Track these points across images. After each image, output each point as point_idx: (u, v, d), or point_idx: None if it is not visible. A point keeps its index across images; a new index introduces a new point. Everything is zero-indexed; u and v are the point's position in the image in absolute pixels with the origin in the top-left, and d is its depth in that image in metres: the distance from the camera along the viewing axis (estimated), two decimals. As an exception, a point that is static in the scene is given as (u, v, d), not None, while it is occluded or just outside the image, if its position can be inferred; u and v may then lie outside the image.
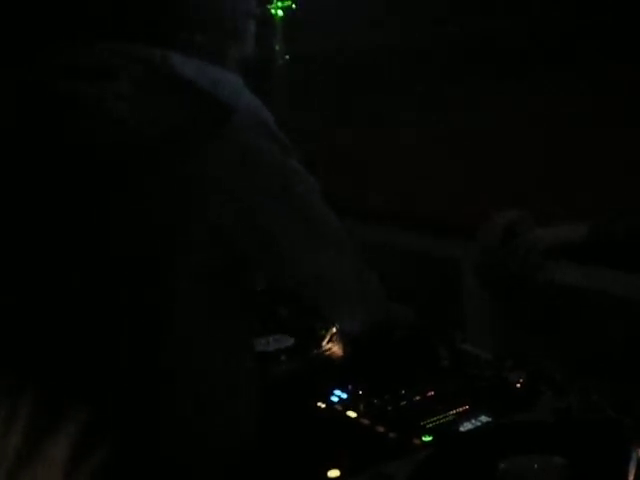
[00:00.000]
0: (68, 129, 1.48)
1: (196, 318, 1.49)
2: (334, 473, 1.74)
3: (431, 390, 2.01)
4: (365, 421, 1.91)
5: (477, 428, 1.85)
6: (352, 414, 1.95)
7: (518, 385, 2.01)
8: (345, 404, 1.99)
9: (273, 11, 3.91)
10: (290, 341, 2.34)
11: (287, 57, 3.93)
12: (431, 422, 1.87)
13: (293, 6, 3.83)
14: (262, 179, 1.49)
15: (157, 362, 1.49)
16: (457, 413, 1.91)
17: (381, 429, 1.87)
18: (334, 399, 2.02)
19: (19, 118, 1.51)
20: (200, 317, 1.50)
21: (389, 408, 1.95)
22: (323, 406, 2.00)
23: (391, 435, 1.84)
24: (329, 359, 2.22)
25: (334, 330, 2.27)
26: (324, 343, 2.27)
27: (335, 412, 1.98)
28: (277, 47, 3.94)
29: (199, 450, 1.53)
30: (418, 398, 1.98)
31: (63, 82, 1.49)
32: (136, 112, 1.45)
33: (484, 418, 1.88)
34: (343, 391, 2.04)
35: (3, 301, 1.52)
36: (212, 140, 1.45)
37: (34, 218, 1.49)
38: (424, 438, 1.81)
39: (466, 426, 1.86)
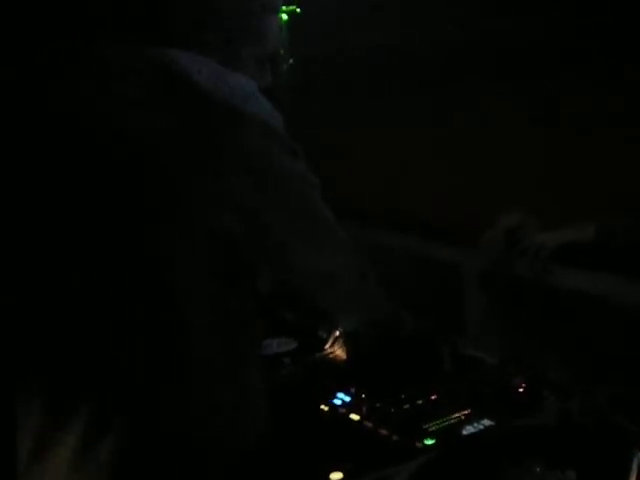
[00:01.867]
0: (72, 131, 1.47)
1: (199, 316, 1.50)
2: (337, 476, 1.75)
3: (434, 393, 2.02)
4: (368, 424, 1.92)
5: (479, 432, 1.86)
6: (355, 417, 1.96)
7: (520, 389, 2.02)
8: (348, 407, 2.00)
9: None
10: (294, 344, 2.35)
11: (291, 60, 3.93)
12: (433, 425, 1.88)
13: (297, 10, 3.84)
14: (268, 184, 1.49)
15: (164, 361, 1.50)
16: (459, 417, 1.92)
17: (384, 432, 1.88)
18: (337, 402, 2.03)
19: (21, 119, 1.51)
20: (202, 315, 1.50)
21: (392, 411, 1.96)
22: (326, 409, 2.01)
23: (394, 438, 1.86)
24: (332, 362, 2.23)
25: (337, 333, 2.28)
26: (327, 346, 2.28)
27: (338, 415, 1.99)
28: (282, 51, 3.94)
29: (209, 450, 1.54)
30: (421, 401, 1.99)
31: (74, 88, 1.49)
32: (141, 114, 1.44)
33: (486, 422, 1.89)
34: (346, 394, 2.05)
35: (4, 301, 1.54)
36: (218, 145, 1.45)
37: (40, 221, 1.50)
38: (426, 441, 1.82)
39: (468, 429, 1.87)
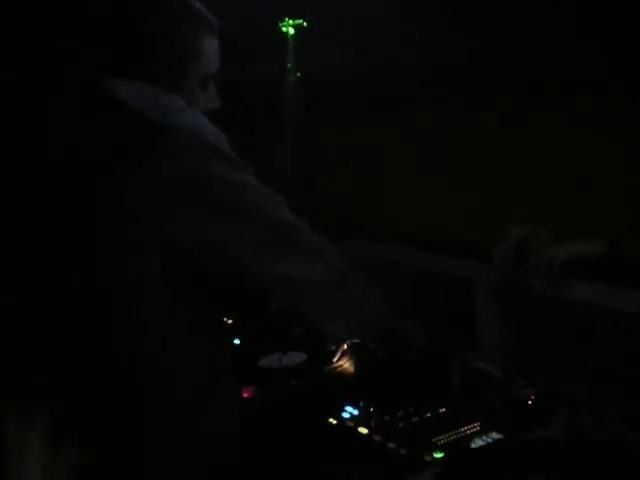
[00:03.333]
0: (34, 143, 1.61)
1: (159, 318, 1.57)
2: (346, 489, 1.74)
3: (442, 407, 2.01)
4: (376, 437, 1.91)
5: (488, 445, 1.86)
6: (363, 430, 1.95)
7: (529, 403, 2.01)
8: (356, 420, 2.00)
9: (284, 29, 3.92)
10: (302, 358, 2.35)
11: (299, 74, 3.93)
12: (442, 439, 1.88)
13: (305, 24, 3.84)
14: (203, 192, 1.55)
15: (132, 362, 1.57)
16: (468, 430, 1.91)
17: (392, 445, 1.87)
18: (346, 415, 2.02)
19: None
20: (163, 318, 1.57)
21: (400, 424, 1.95)
22: (334, 422, 2.01)
23: (402, 451, 1.85)
24: (341, 375, 2.23)
25: (345, 347, 2.28)
26: (335, 360, 2.28)
27: (347, 428, 1.98)
28: (289, 64, 3.94)
29: (184, 451, 1.58)
30: (429, 415, 1.99)
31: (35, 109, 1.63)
32: (78, 132, 1.58)
33: (495, 435, 1.89)
34: (354, 407, 2.04)
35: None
36: (149, 158, 1.54)
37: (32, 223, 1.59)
38: (435, 455, 1.82)
39: (477, 443, 1.86)
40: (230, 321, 2.49)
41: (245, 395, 2.13)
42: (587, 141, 2.72)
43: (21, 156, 1.61)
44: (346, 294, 1.71)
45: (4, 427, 1.62)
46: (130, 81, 1.63)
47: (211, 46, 1.75)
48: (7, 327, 1.61)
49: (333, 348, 2.33)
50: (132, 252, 1.54)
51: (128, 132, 1.57)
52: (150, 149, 1.55)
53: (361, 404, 2.05)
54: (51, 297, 1.57)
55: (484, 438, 1.88)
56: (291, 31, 3.77)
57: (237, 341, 2.47)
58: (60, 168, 1.57)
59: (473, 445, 1.86)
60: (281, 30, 3.84)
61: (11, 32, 1.73)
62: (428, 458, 1.81)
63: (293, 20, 3.80)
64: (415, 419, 1.97)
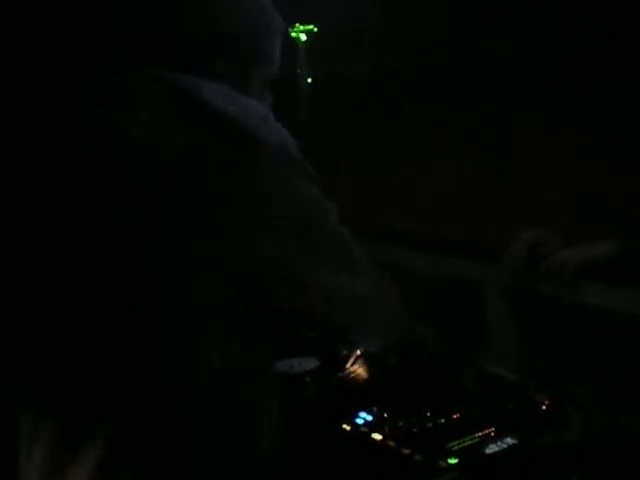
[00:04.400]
0: (89, 156, 1.48)
1: (212, 348, 1.49)
2: (360, 495, 1.74)
3: (456, 412, 2.00)
4: (391, 443, 1.91)
5: (503, 451, 1.85)
6: (377, 436, 1.95)
7: (543, 407, 2.00)
8: (370, 426, 1.99)
9: (295, 34, 3.93)
10: (315, 363, 2.34)
11: (310, 80, 3.94)
12: (457, 444, 1.87)
13: (315, 30, 3.85)
14: (283, 211, 1.49)
15: (175, 382, 1.50)
16: (483, 435, 1.91)
17: (407, 451, 1.87)
18: (359, 421, 2.02)
19: (46, 146, 1.53)
20: (216, 347, 1.50)
21: (414, 430, 1.95)
22: (348, 428, 2.01)
23: (417, 457, 1.84)
24: (354, 381, 2.22)
25: (358, 352, 2.28)
26: (349, 365, 2.27)
27: (360, 434, 1.98)
28: (299, 70, 3.95)
29: (223, 466, 1.55)
30: (443, 420, 1.98)
31: (87, 109, 1.51)
32: (156, 140, 1.45)
33: (510, 440, 1.88)
34: (368, 413, 2.04)
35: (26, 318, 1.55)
36: (234, 168, 1.45)
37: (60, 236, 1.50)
38: (450, 460, 1.81)
39: (492, 448, 1.86)
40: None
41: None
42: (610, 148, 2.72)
43: (82, 167, 1.49)
44: (389, 306, 1.69)
45: (38, 452, 1.58)
46: (210, 82, 1.52)
47: (277, 47, 1.69)
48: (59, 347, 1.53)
49: (346, 354, 2.32)
50: (200, 277, 1.45)
51: (221, 140, 1.45)
52: (246, 163, 1.45)
53: (375, 410, 2.04)
54: (112, 324, 1.48)
55: (499, 443, 1.87)
56: (302, 37, 3.78)
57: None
58: (131, 178, 1.45)
59: (488, 451, 1.85)
60: (291, 36, 3.85)
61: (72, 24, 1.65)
62: (443, 464, 1.81)
63: (304, 26, 3.82)
64: (429, 425, 1.97)
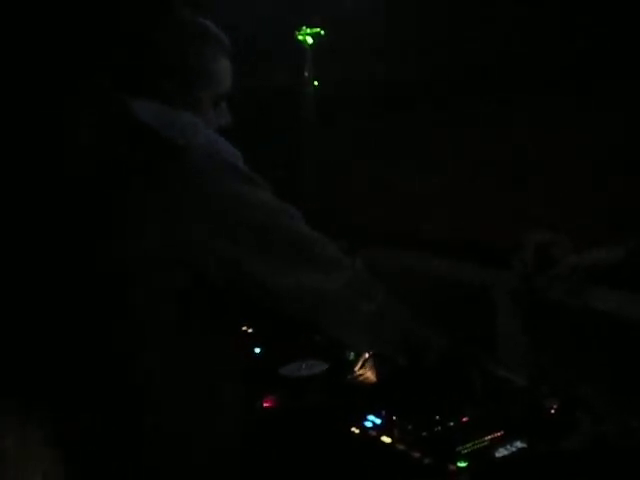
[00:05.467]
0: (49, 163, 1.62)
1: (165, 329, 1.61)
2: (369, 499, 1.74)
3: (466, 415, 2.00)
4: (400, 447, 1.91)
5: (512, 454, 1.85)
6: (387, 439, 1.94)
7: (553, 411, 2.00)
8: (379, 430, 1.99)
9: (301, 37, 3.93)
10: (324, 367, 2.34)
11: (316, 83, 3.94)
12: (466, 448, 1.87)
13: (322, 33, 3.85)
14: (218, 209, 1.59)
15: (133, 368, 1.61)
16: (492, 439, 1.90)
17: (416, 455, 1.86)
18: (368, 424, 2.02)
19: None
20: (168, 328, 1.61)
21: (424, 434, 1.94)
22: (357, 431, 2.00)
23: (426, 461, 1.84)
24: (363, 384, 2.22)
25: (367, 355, 2.27)
26: (357, 368, 2.27)
27: (370, 438, 1.98)
28: (306, 73, 3.95)
29: (185, 451, 1.60)
30: (453, 423, 1.98)
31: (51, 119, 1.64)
32: (93, 147, 1.59)
33: (519, 444, 1.88)
34: (377, 416, 2.04)
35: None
36: (166, 176, 1.57)
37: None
38: (459, 464, 1.81)
39: (501, 452, 1.85)
40: (250, 330, 2.49)
41: (266, 404, 2.13)
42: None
43: (36, 168, 1.64)
44: (366, 306, 1.72)
45: (4, 427, 1.65)
46: (146, 99, 1.66)
47: (224, 66, 1.81)
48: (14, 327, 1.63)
49: (354, 357, 2.32)
50: (148, 267, 1.57)
51: (146, 150, 1.59)
52: (167, 167, 1.58)
53: (384, 413, 2.04)
54: (62, 302, 1.60)
55: (508, 447, 1.87)
56: (309, 40, 3.78)
57: (257, 350, 2.46)
58: (76, 182, 1.59)
59: (497, 454, 1.85)
60: (298, 39, 3.85)
61: (29, 43, 1.74)
62: (452, 467, 1.80)
63: (311, 29, 3.81)
64: (438, 428, 1.96)
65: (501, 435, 1.91)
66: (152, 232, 1.57)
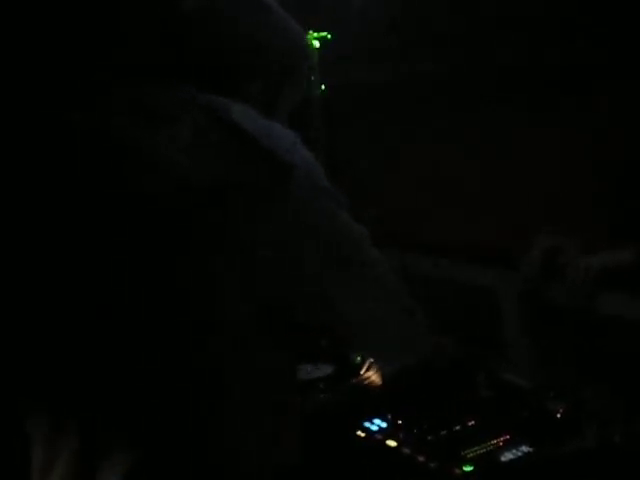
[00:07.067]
0: (119, 176, 1.44)
1: (236, 353, 1.48)
2: (375, 502, 1.74)
3: (471, 419, 2.00)
4: (405, 450, 1.91)
5: (518, 458, 1.84)
6: (392, 443, 1.94)
7: (559, 415, 1.99)
8: (385, 433, 1.99)
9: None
10: (329, 370, 2.34)
11: (323, 87, 3.94)
12: (472, 452, 1.87)
13: (329, 36, 3.85)
14: (312, 235, 1.47)
15: (202, 395, 1.49)
16: (498, 443, 1.90)
17: (422, 458, 1.86)
18: (374, 428, 2.02)
19: (76, 166, 1.47)
20: (240, 350, 1.48)
21: (429, 437, 1.94)
22: (362, 435, 2.00)
23: (432, 465, 1.84)
24: (368, 388, 2.22)
25: (372, 359, 2.27)
26: (363, 372, 2.27)
27: (375, 441, 1.97)
28: (312, 77, 3.95)
29: (244, 467, 1.54)
30: (458, 427, 1.97)
31: (120, 128, 1.46)
32: (192, 162, 1.42)
33: (525, 448, 1.87)
34: (382, 420, 2.04)
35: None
36: (271, 200, 1.42)
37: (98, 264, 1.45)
38: (465, 468, 1.81)
39: (507, 456, 1.85)
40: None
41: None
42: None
43: (105, 183, 1.45)
44: (413, 329, 1.68)
45: (34, 441, 1.60)
46: (237, 102, 1.48)
47: (305, 72, 1.68)
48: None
49: (359, 360, 2.32)
50: (235, 299, 1.44)
51: (249, 164, 1.42)
52: (275, 190, 1.42)
53: (389, 417, 2.04)
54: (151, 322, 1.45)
55: (514, 451, 1.86)
56: (315, 44, 3.78)
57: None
58: (160, 199, 1.41)
59: (503, 458, 1.84)
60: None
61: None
62: (458, 471, 1.80)
63: (317, 33, 3.82)
64: (444, 432, 1.96)
65: (507, 439, 1.91)
66: (247, 261, 1.41)
